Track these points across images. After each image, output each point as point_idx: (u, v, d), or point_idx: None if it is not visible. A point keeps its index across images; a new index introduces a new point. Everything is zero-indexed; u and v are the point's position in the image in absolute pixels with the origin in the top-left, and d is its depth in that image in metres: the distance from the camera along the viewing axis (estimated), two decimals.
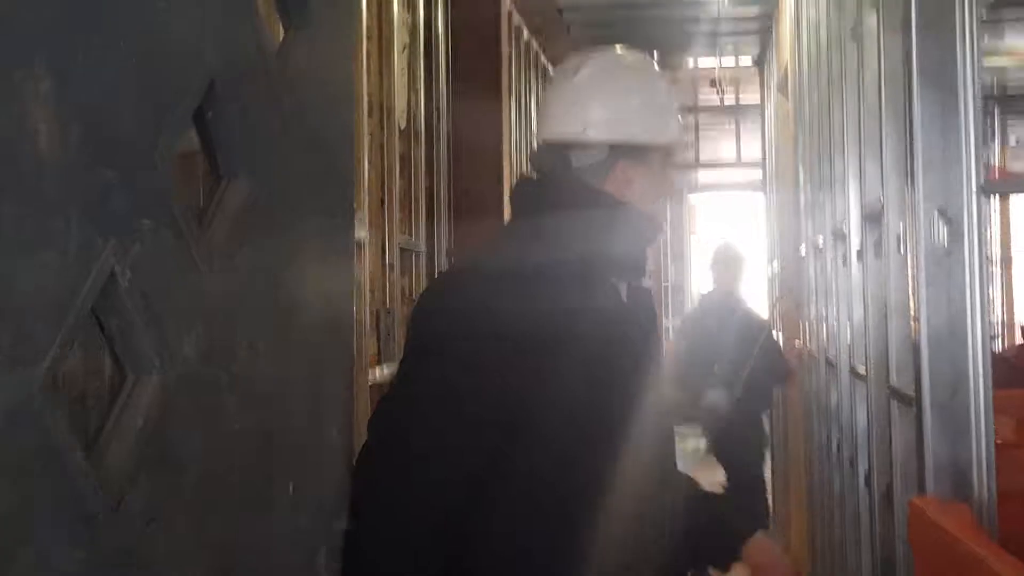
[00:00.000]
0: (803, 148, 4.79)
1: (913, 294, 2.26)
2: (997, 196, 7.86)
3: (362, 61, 3.58)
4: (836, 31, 3.55)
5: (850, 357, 3.33)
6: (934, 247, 2.18)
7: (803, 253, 4.78)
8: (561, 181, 1.77)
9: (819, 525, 4.37)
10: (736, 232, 13.58)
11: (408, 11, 4.34)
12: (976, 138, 2.13)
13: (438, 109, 4.62)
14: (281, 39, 1.35)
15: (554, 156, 1.79)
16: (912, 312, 2.31)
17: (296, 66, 1.34)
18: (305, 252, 1.38)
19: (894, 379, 2.59)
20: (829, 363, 3.93)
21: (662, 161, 1.82)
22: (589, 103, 1.76)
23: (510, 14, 5.44)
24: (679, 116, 1.87)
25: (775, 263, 6.65)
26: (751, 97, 9.59)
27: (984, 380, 2.14)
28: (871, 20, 2.92)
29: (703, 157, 11.66)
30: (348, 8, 1.67)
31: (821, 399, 4.30)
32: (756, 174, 11.88)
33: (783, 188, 6.24)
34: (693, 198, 13.94)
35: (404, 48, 4.28)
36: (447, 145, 4.74)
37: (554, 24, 6.29)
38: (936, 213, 2.17)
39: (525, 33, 5.95)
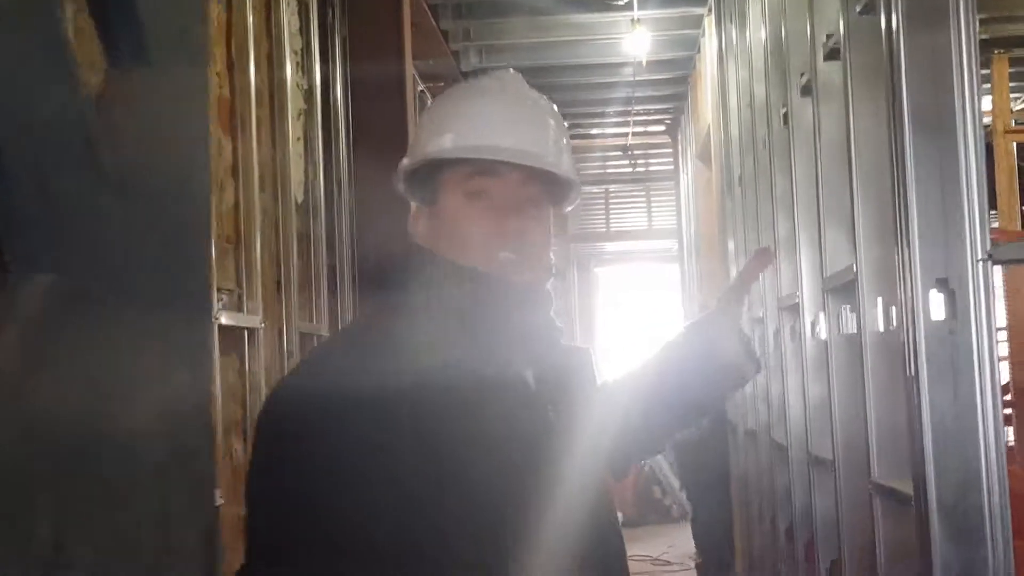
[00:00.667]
0: (733, 216, 4.50)
1: (907, 375, 1.92)
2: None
3: (251, 130, 3.19)
4: (777, 88, 3.26)
5: (807, 441, 2.98)
6: (933, 323, 1.84)
7: None
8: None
9: None
10: (646, 301, 13.39)
11: (303, 73, 3.96)
12: (980, 196, 1.81)
13: (338, 179, 4.22)
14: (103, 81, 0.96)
15: None
16: (905, 396, 1.96)
17: (128, 119, 0.94)
18: (144, 355, 0.98)
19: (876, 472, 2.24)
20: (776, 444, 3.58)
21: (444, 184, 1.42)
22: None
23: (413, 77, 5.10)
24: (485, 126, 1.40)
25: None
26: (659, 166, 9.41)
27: (999, 476, 1.80)
28: (829, 72, 2.63)
29: (613, 227, 11.41)
30: (195, 45, 1.27)
31: (763, 479, 3.95)
32: (666, 244, 11.71)
33: (703, 257, 5.96)
34: (600, 271, 13.72)
35: (300, 115, 3.89)
36: (350, 218, 4.34)
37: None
38: (935, 284, 1.84)
39: (429, 98, 5.61)
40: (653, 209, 11.06)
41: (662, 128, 7.77)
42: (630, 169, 9.31)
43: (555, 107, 1.50)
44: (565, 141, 1.46)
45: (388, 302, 1.39)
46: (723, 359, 1.54)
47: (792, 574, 3.34)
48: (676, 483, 10.95)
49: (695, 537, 6.37)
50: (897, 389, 2.20)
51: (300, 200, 3.79)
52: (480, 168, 1.38)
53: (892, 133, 1.90)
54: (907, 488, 2.07)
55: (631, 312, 14.14)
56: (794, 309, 3.14)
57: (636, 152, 8.87)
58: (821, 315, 2.77)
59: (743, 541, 4.70)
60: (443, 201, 1.40)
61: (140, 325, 1.00)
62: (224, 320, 2.78)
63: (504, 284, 1.36)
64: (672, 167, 8.05)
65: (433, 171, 1.41)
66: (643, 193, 10.79)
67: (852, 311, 2.51)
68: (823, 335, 2.78)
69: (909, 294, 1.89)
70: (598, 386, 1.60)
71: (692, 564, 8.18)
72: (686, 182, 6.82)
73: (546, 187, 1.42)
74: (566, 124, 1.54)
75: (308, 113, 3.97)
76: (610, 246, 12.41)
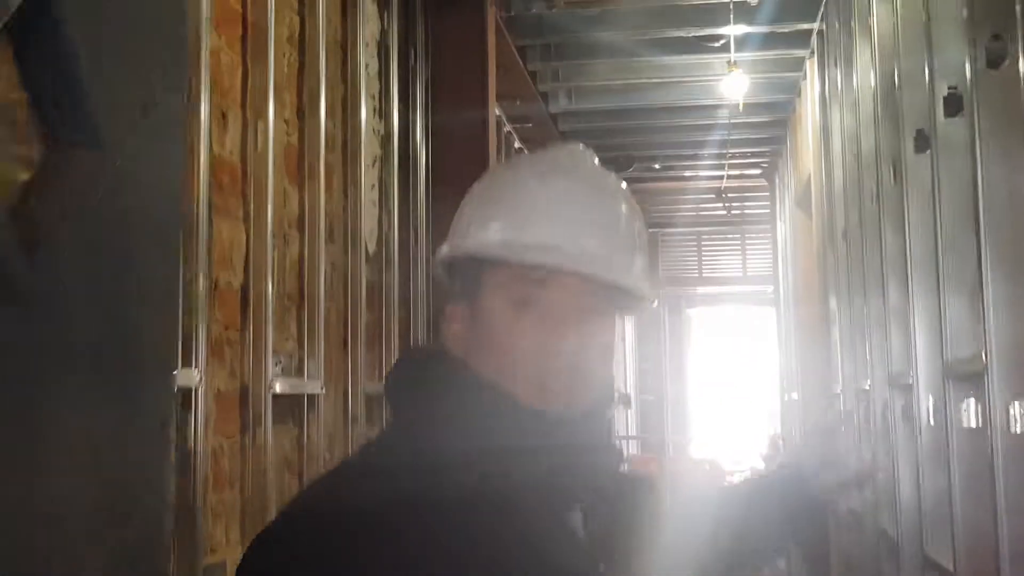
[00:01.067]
0: (835, 271, 4.18)
1: None
2: None
3: (320, 178, 2.99)
4: (889, 138, 2.96)
5: (922, 539, 2.65)
6: None
7: (838, 391, 4.13)
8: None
9: None
10: (740, 347, 12.98)
11: (380, 118, 3.77)
12: None
13: (415, 229, 4.01)
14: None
15: None
16: None
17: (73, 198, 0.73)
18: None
19: None
20: (883, 533, 3.25)
21: (487, 284, 1.15)
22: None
23: (499, 120, 4.88)
24: (541, 219, 1.14)
25: (794, 394, 5.99)
26: (754, 210, 9.06)
27: None
28: (949, 125, 2.33)
29: (705, 272, 11.07)
30: (165, 119, 1.06)
31: (866, 568, 3.61)
32: (760, 289, 11.32)
33: (802, 307, 5.62)
34: (692, 312, 13.34)
35: (375, 161, 3.69)
36: (425, 270, 4.13)
37: (547, 132, 5.75)
38: None
39: (516, 142, 5.40)
40: (748, 254, 10.70)
41: (758, 172, 7.45)
42: (724, 212, 8.98)
43: (628, 191, 1.22)
44: (639, 238, 1.19)
45: (406, 420, 1.15)
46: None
47: None
48: None
49: None
50: None
51: (372, 251, 3.59)
52: (531, 273, 1.12)
53: None
54: None
55: (723, 355, 13.74)
56: (906, 388, 2.83)
57: (731, 195, 8.54)
58: (939, 402, 2.46)
59: None
60: (484, 304, 1.14)
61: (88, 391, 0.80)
62: (279, 388, 2.57)
63: (548, 420, 1.10)
64: (768, 211, 7.72)
65: (475, 266, 1.15)
66: (738, 237, 10.44)
67: (977, 401, 2.20)
68: (941, 424, 2.47)
69: None
70: (662, 520, 1.34)
71: None
72: (783, 228, 6.49)
73: (611, 294, 1.15)
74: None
75: (385, 159, 3.77)
76: (702, 289, 12.06)
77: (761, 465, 11.54)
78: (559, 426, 1.11)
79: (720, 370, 13.70)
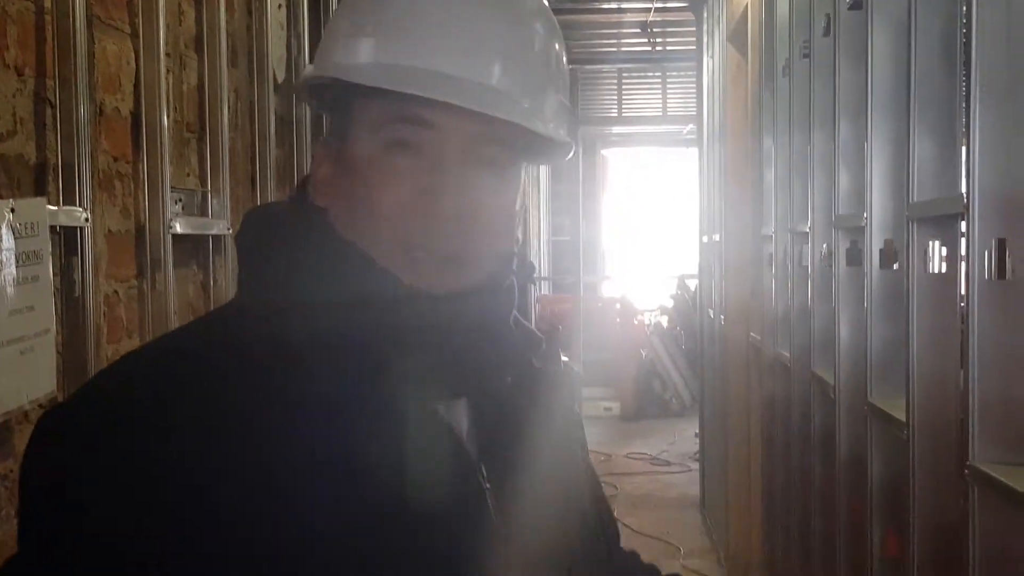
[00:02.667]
0: (772, 111, 3.99)
1: None
2: None
3: None
4: None
5: (868, 390, 2.54)
6: None
7: (771, 233, 4.00)
8: None
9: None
10: (657, 188, 12.91)
11: None
12: None
13: None
14: None
15: None
16: None
17: None
18: None
19: (976, 454, 1.79)
20: (818, 380, 3.16)
21: (357, 119, 0.91)
22: None
23: None
24: (426, 37, 0.88)
25: (716, 236, 5.88)
26: (678, 46, 8.78)
27: None
28: None
29: (624, 111, 10.80)
30: None
31: (792, 416, 3.54)
32: (679, 129, 11.15)
33: (729, 149, 5.46)
34: (608, 152, 13.14)
35: None
36: None
37: None
38: None
39: None
40: (669, 93, 10.47)
41: (684, 4, 7.16)
42: (648, 49, 8.69)
43: (548, 9, 0.95)
44: (556, 70, 0.93)
45: (250, 285, 0.93)
46: None
47: (828, 532, 2.94)
48: (676, 376, 10.65)
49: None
50: (1012, 358, 1.76)
51: (281, 79, 3.28)
52: (409, 107, 0.86)
53: None
54: (1019, 483, 1.65)
55: (639, 196, 13.68)
56: (856, 231, 2.68)
57: (655, 30, 8.25)
58: (898, 246, 2.31)
59: (765, 479, 4.32)
60: (352, 143, 0.90)
61: None
62: (180, 228, 2.31)
63: (422, 295, 0.87)
64: (694, 47, 7.47)
65: (345, 94, 0.90)
66: (659, 75, 10.18)
67: (943, 245, 2.06)
68: (896, 269, 2.33)
69: None
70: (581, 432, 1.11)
71: (692, 465, 7.91)
72: (711, 65, 6.26)
73: (516, 140, 0.90)
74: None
75: None
76: (619, 129, 11.82)
77: (670, 304, 11.67)
78: (438, 303, 0.88)
79: (635, 211, 13.67)
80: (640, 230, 13.83)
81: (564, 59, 0.96)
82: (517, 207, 0.93)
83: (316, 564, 0.80)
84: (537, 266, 10.60)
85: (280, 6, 3.29)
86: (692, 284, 9.89)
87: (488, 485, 0.91)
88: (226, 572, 0.78)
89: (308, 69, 0.94)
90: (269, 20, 3.06)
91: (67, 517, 0.80)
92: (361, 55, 0.88)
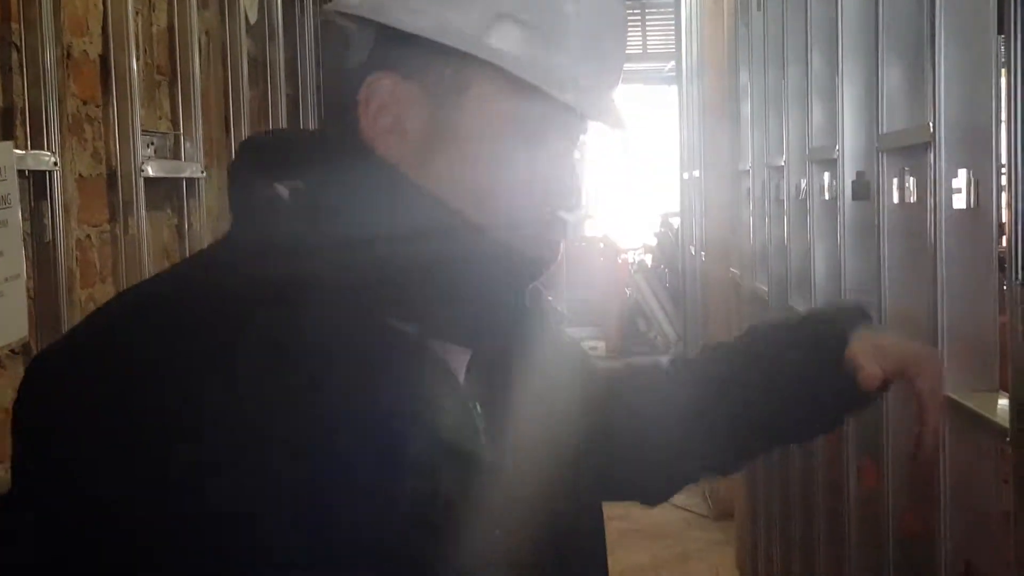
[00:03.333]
0: (748, 45, 3.97)
1: (1013, 280, 1.49)
2: None
3: None
4: None
5: None
6: None
7: (748, 168, 4.00)
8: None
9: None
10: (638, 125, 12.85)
11: None
12: None
13: None
14: None
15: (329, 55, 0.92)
16: (1008, 306, 1.54)
17: None
18: None
19: (947, 384, 1.82)
20: (794, 313, 3.18)
21: (475, 95, 0.87)
22: None
23: None
24: (597, 51, 0.89)
25: (696, 172, 5.88)
26: None
27: None
28: None
29: None
30: None
31: None
32: (659, 67, 11.09)
33: (707, 85, 5.44)
34: None
35: None
36: (314, 41, 3.80)
37: None
38: None
39: None
40: (648, 30, 10.40)
41: None
42: None
43: None
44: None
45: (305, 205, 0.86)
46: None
47: (807, 464, 2.99)
48: (661, 314, 10.70)
49: None
50: (979, 287, 1.78)
51: (253, 21, 3.25)
52: (556, 112, 0.87)
53: None
54: (987, 410, 1.68)
55: (623, 136, 13.63)
56: (829, 164, 2.68)
57: None
58: (868, 176, 2.32)
59: None
60: (469, 117, 0.87)
61: None
62: (152, 171, 2.31)
63: (522, 257, 0.90)
64: None
65: (457, 57, 0.86)
66: (638, 12, 10.11)
67: (911, 175, 2.07)
68: (868, 200, 2.34)
69: (1022, 177, 1.44)
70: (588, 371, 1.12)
71: None
72: (688, 2, 6.22)
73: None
74: None
75: None
76: None
77: (654, 242, 11.69)
78: (523, 273, 0.91)
79: (616, 148, 13.63)
80: (623, 168, 13.81)
81: None
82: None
83: (308, 506, 0.78)
84: None
85: None
86: (675, 222, 9.90)
87: (482, 425, 0.91)
88: (217, 520, 0.77)
89: (412, 20, 0.85)
90: None
91: (57, 463, 0.79)
92: (509, 40, 0.85)
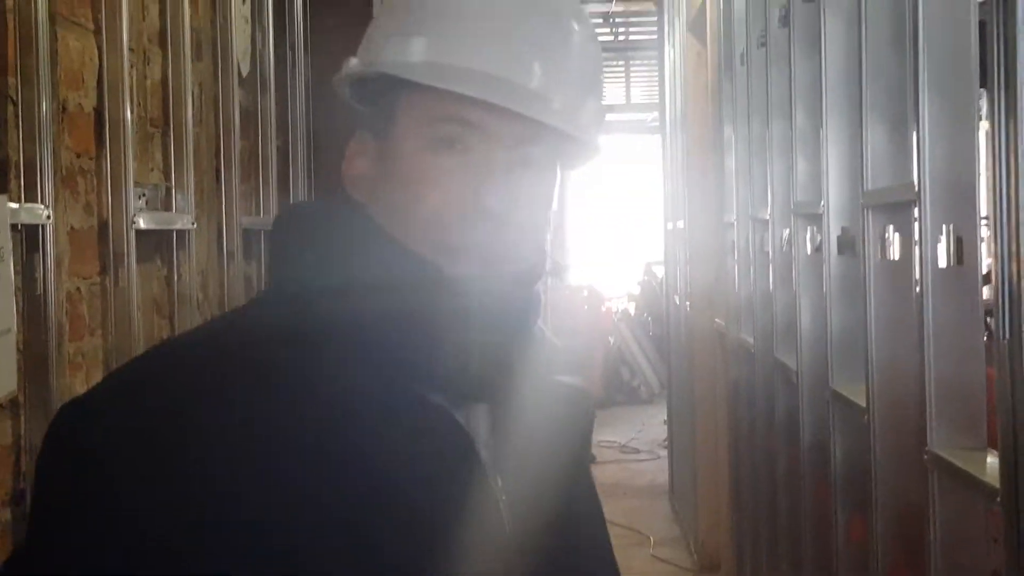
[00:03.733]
0: (732, 99, 4.03)
1: (999, 340, 1.51)
2: None
3: None
4: None
5: (828, 376, 2.59)
6: None
7: (733, 220, 4.04)
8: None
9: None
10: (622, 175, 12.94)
11: None
12: None
13: (292, 49, 3.69)
14: None
15: None
16: (996, 364, 1.56)
17: None
18: None
19: (934, 440, 1.84)
20: (780, 366, 3.20)
21: (402, 116, 0.92)
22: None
23: None
24: (482, 40, 0.90)
25: (680, 223, 5.92)
26: (641, 35, 8.81)
27: None
28: None
29: None
30: None
31: (757, 402, 3.58)
32: (643, 117, 11.20)
33: (691, 136, 5.49)
34: None
35: None
36: (305, 93, 3.83)
37: None
38: None
39: None
40: (632, 81, 10.51)
41: None
42: (611, 39, 8.73)
43: (586, 12, 0.98)
44: (595, 74, 0.97)
45: (282, 275, 0.93)
46: None
47: (794, 518, 2.99)
48: (644, 363, 10.71)
49: None
50: (965, 344, 1.80)
51: (246, 72, 3.28)
52: (459, 108, 0.89)
53: (996, 18, 1.44)
54: (976, 469, 1.69)
55: (604, 184, 13.70)
56: (814, 218, 2.71)
57: (618, 20, 8.28)
58: (853, 232, 2.35)
59: (732, 465, 4.36)
60: (397, 139, 0.92)
61: None
62: (143, 223, 2.31)
63: (460, 286, 0.89)
64: (656, 37, 7.50)
65: (391, 88, 0.92)
66: (623, 64, 10.22)
67: (896, 232, 2.09)
68: (852, 255, 2.37)
69: (1006, 231, 1.46)
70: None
71: (660, 453, 7.97)
72: (672, 54, 6.30)
73: (555, 142, 0.93)
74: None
75: None
76: None
77: (637, 291, 11.72)
78: (472, 297, 0.89)
79: (601, 198, 13.70)
80: (607, 217, 13.87)
81: (600, 61, 1.00)
82: (554, 207, 0.95)
83: (320, 563, 0.81)
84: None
85: (244, 0, 3.29)
86: (659, 271, 9.94)
87: (504, 497, 0.91)
88: (234, 567, 0.80)
89: (352, 63, 0.95)
90: (234, 14, 3.06)
91: (79, 513, 0.81)
92: (413, 53, 0.90)
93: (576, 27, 0.94)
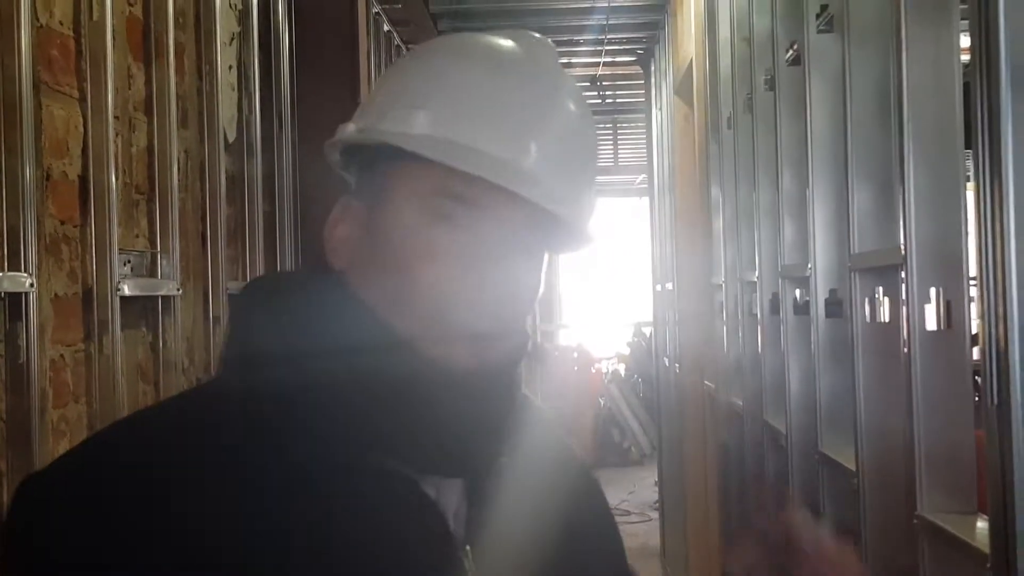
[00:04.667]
0: (719, 162, 4.05)
1: (988, 405, 1.50)
2: None
3: (169, 56, 2.68)
4: (787, 20, 2.79)
5: (817, 439, 2.57)
6: None
7: (721, 282, 4.04)
8: None
9: None
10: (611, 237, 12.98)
11: None
12: None
13: (279, 115, 3.71)
14: None
15: None
16: (986, 429, 1.55)
17: None
18: None
19: (924, 505, 1.82)
20: (769, 427, 3.18)
21: (398, 187, 0.90)
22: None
23: (375, 15, 4.58)
24: (489, 119, 0.89)
25: (669, 284, 5.93)
26: (628, 98, 8.88)
27: None
28: (863, 4, 2.17)
29: None
30: None
31: (747, 464, 3.56)
32: (631, 179, 11.27)
33: (679, 198, 5.52)
34: None
35: (232, 39, 3.36)
36: (292, 159, 3.84)
37: (419, 15, 5.43)
38: None
39: (385, 24, 5.07)
40: (620, 144, 10.58)
41: (633, 59, 7.26)
42: (599, 101, 8.80)
43: (586, 101, 0.97)
44: (594, 166, 0.96)
45: (248, 347, 0.90)
46: None
47: None
48: (635, 424, 10.66)
49: None
50: (954, 407, 1.79)
51: (232, 138, 3.28)
52: (461, 185, 0.86)
53: (980, 81, 1.45)
54: (966, 534, 1.67)
55: (597, 248, 13.73)
56: (801, 281, 2.72)
57: (605, 83, 8.35)
58: (842, 295, 2.35)
59: (723, 529, 4.32)
60: (390, 210, 0.89)
61: None
62: (128, 290, 2.30)
63: (447, 374, 0.86)
64: (643, 100, 7.57)
65: (386, 160, 0.90)
66: (610, 126, 10.30)
67: (885, 295, 2.09)
68: (841, 318, 2.37)
69: (994, 294, 1.46)
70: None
71: (652, 515, 7.91)
72: (659, 117, 6.35)
73: (550, 228, 0.91)
74: None
75: (243, 37, 3.44)
76: None
77: (627, 351, 11.71)
78: (463, 383, 0.86)
79: (590, 260, 13.74)
80: (596, 278, 13.90)
81: (597, 152, 0.99)
82: (541, 290, 0.93)
83: None
84: None
85: (231, 67, 3.31)
86: (648, 331, 9.94)
87: (474, 568, 0.89)
88: None
89: (349, 128, 0.93)
90: (220, 81, 3.07)
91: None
92: (415, 126, 0.87)
93: (580, 118, 0.93)
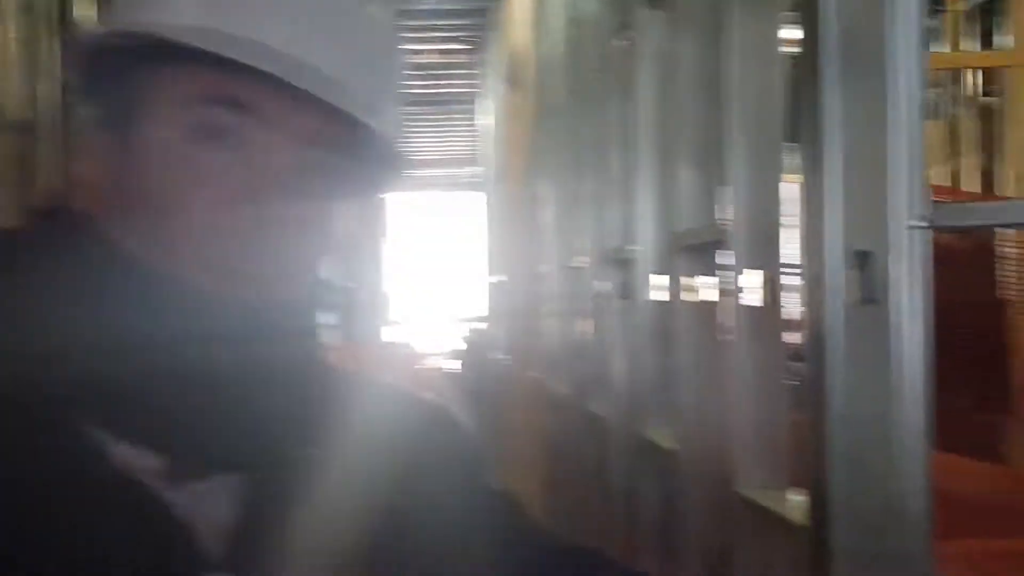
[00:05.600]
0: (548, 150, 4.05)
1: (811, 369, 1.50)
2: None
3: None
4: (615, 2, 2.79)
5: (643, 424, 2.57)
6: (846, 302, 1.42)
7: (549, 271, 4.04)
8: None
9: None
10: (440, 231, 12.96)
11: None
12: (914, 148, 1.38)
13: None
14: None
15: None
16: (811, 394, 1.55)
17: None
18: None
19: (741, 480, 1.83)
20: (593, 417, 3.18)
21: (155, 98, 0.69)
22: None
23: None
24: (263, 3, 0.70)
25: (502, 276, 5.92)
26: (456, 88, 8.85)
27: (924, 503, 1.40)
28: None
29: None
30: None
31: (571, 452, 3.56)
32: (459, 172, 11.26)
33: (509, 189, 5.52)
34: (387, 196, 13.06)
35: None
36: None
37: None
38: (853, 257, 1.42)
39: None
40: (448, 135, 10.55)
41: (463, 47, 7.23)
42: (424, 91, 8.72)
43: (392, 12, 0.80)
44: (400, 81, 0.76)
45: None
46: None
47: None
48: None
49: None
50: (768, 382, 1.81)
51: (16, 119, 3.06)
52: (236, 85, 0.67)
53: (811, 63, 1.44)
54: (779, 507, 1.69)
55: (422, 240, 13.70)
56: (623, 264, 2.71)
57: (434, 72, 8.29)
58: (664, 276, 2.35)
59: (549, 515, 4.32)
60: (145, 128, 0.69)
61: None
62: None
63: (225, 313, 0.68)
64: (472, 89, 7.56)
65: (141, 67, 0.69)
66: (437, 117, 10.24)
67: (705, 274, 2.10)
68: (665, 299, 2.37)
69: (817, 267, 1.45)
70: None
71: None
72: (489, 106, 6.34)
73: (349, 151, 0.70)
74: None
75: (29, 9, 3.21)
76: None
77: (464, 346, 11.63)
78: (240, 323, 0.69)
79: (419, 255, 13.69)
80: (426, 274, 13.85)
81: (401, 56, 0.80)
82: (340, 230, 0.74)
83: None
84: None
85: (13, 41, 3.10)
86: (481, 326, 9.94)
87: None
88: None
89: (86, 32, 0.76)
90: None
91: None
92: (179, 14, 0.68)
93: (382, 15, 0.75)
